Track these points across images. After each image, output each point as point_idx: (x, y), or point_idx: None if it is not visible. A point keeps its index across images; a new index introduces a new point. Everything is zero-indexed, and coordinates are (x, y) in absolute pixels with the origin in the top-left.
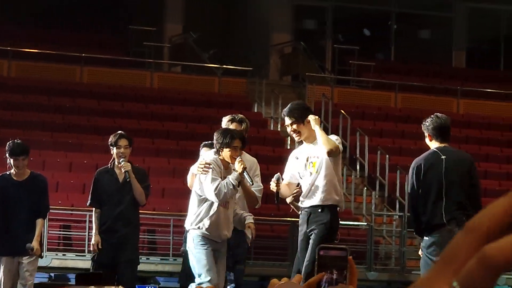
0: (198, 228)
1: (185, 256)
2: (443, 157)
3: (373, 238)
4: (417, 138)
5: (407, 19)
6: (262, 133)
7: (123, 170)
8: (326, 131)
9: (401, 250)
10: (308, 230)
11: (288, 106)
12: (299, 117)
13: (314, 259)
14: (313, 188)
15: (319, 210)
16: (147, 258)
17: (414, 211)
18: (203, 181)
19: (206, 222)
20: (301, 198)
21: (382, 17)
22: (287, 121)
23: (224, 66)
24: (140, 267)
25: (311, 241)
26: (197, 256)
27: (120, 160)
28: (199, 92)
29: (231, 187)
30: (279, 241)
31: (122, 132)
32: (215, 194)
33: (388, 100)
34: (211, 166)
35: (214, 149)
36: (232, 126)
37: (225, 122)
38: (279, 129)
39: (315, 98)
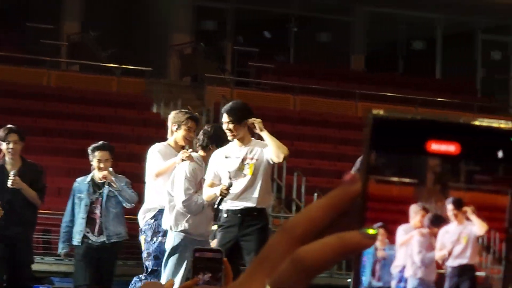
0: (181, 229)
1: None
2: None
3: None
4: (315, 140)
5: (306, 22)
6: (161, 134)
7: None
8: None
9: None
10: (241, 234)
11: (230, 104)
12: (238, 118)
13: None
14: (249, 190)
15: (255, 213)
16: (42, 258)
17: None
18: (177, 186)
19: (189, 221)
20: (229, 200)
21: (282, 19)
22: (225, 118)
23: (123, 65)
24: (35, 267)
25: (253, 249)
26: (176, 262)
27: (9, 157)
28: (97, 91)
29: (201, 207)
30: None
31: (12, 126)
32: (184, 205)
33: (287, 103)
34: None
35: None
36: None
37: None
38: None
39: (214, 99)
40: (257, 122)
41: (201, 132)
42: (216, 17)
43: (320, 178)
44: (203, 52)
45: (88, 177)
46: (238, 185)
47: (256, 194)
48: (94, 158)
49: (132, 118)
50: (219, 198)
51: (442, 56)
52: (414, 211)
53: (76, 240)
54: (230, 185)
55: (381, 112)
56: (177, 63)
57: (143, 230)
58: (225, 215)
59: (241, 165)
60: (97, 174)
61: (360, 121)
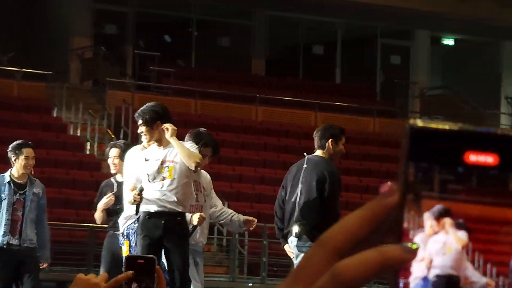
0: None
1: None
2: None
3: None
4: None
5: (207, 26)
6: (62, 138)
7: None
8: (126, 136)
9: None
10: (165, 240)
11: (143, 106)
12: (149, 121)
13: (184, 273)
14: (168, 193)
15: (178, 218)
16: None
17: None
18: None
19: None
20: (148, 203)
21: (183, 23)
22: (138, 121)
23: (24, 69)
24: None
25: (177, 253)
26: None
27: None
28: None
29: None
30: (78, 247)
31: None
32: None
33: (188, 107)
34: None
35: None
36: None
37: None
38: (78, 134)
39: (115, 104)
40: (169, 128)
41: (187, 136)
42: (116, 21)
43: (223, 182)
44: (104, 56)
45: (6, 177)
46: (156, 187)
47: (177, 197)
48: (21, 155)
49: (33, 122)
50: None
51: (342, 60)
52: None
53: (1, 242)
54: (141, 190)
55: (419, 122)
56: (78, 67)
57: (125, 235)
58: (147, 217)
59: (160, 167)
60: (19, 171)
61: (260, 125)
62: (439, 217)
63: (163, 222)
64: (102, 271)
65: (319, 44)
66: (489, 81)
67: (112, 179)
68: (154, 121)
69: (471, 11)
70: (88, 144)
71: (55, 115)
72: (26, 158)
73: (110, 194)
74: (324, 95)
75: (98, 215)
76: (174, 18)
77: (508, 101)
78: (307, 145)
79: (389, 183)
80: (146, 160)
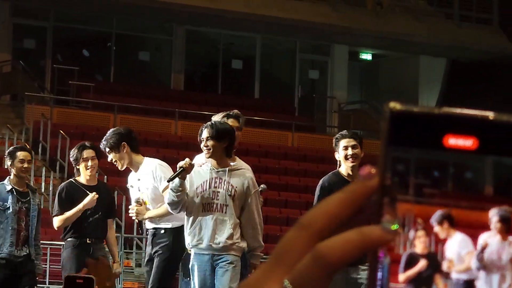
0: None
1: None
2: None
3: None
4: None
5: (127, 41)
6: None
7: None
8: (44, 151)
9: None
10: (152, 252)
11: (106, 135)
12: (113, 145)
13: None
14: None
15: (162, 232)
16: None
17: None
18: None
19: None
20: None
21: (102, 38)
22: (105, 150)
23: None
24: None
25: (155, 264)
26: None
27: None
28: None
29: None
30: None
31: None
32: None
33: (107, 121)
34: None
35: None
36: (229, 122)
37: (219, 117)
38: None
39: (34, 118)
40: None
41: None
42: (35, 35)
43: None
44: (23, 71)
45: (8, 185)
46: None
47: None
48: (15, 159)
49: None
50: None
51: (260, 75)
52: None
53: (5, 253)
54: (138, 201)
55: (398, 106)
56: None
57: None
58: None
59: (139, 195)
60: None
61: (180, 140)
62: (441, 221)
63: (153, 236)
64: None
65: (238, 58)
66: (407, 96)
67: (72, 180)
68: (118, 143)
69: (388, 26)
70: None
71: None
72: (21, 161)
73: (94, 193)
74: (243, 110)
75: (65, 218)
76: (93, 32)
77: None
78: None
79: (368, 166)
80: (131, 186)
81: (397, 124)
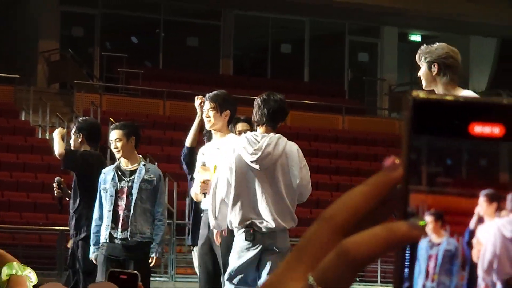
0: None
1: None
2: None
3: None
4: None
5: (175, 27)
6: (30, 141)
7: None
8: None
9: (170, 257)
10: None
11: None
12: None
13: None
14: None
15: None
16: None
17: None
18: None
19: None
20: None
21: (150, 24)
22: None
23: None
24: None
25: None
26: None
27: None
28: None
29: None
30: (48, 251)
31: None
32: None
33: (156, 108)
34: None
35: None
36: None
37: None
38: (47, 137)
39: (84, 106)
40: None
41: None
42: (83, 23)
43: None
44: (71, 59)
45: (114, 164)
46: None
47: None
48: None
49: (0, 126)
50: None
51: (310, 59)
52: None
53: (103, 237)
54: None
55: (421, 93)
56: (45, 70)
57: None
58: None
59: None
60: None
61: None
62: (437, 219)
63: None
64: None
65: (287, 42)
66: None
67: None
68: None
69: (437, 7)
70: None
71: (23, 118)
72: (110, 142)
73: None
74: (293, 94)
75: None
76: (141, 19)
77: (477, 95)
78: None
79: (392, 156)
80: (202, 154)
81: (421, 113)
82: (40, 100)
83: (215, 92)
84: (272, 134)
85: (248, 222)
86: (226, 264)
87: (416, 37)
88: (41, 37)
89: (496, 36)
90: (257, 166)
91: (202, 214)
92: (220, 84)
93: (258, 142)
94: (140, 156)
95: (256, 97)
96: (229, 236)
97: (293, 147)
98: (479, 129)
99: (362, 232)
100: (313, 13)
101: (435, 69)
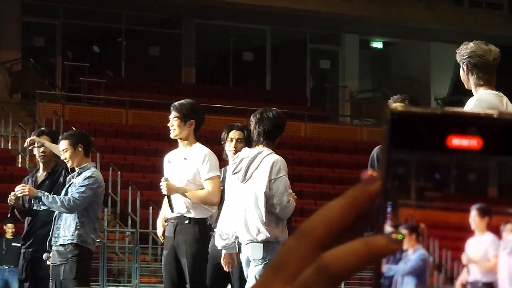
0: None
1: None
2: None
3: (106, 254)
4: (148, 154)
5: (136, 36)
6: None
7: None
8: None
9: (134, 266)
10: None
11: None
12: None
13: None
14: None
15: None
16: None
17: None
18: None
19: None
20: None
21: (112, 34)
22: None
23: None
24: None
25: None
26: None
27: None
28: None
29: None
30: None
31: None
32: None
33: (119, 117)
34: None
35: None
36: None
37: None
38: (9, 147)
39: (46, 116)
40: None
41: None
42: (44, 33)
43: (154, 191)
44: (33, 69)
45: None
46: None
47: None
48: None
49: None
50: None
51: (271, 66)
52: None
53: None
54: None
55: (399, 107)
56: (7, 80)
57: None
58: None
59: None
60: None
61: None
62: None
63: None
64: None
65: (248, 51)
66: (418, 83)
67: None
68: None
69: (398, 14)
70: (20, 157)
71: None
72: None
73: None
74: (255, 102)
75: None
76: (103, 28)
77: (438, 102)
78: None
79: (369, 170)
80: (169, 162)
81: (399, 126)
82: (3, 110)
83: (181, 101)
84: (259, 148)
85: (236, 234)
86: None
87: (377, 44)
88: (3, 47)
89: (457, 43)
90: (236, 179)
91: (167, 223)
92: (183, 92)
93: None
94: (90, 163)
95: (218, 105)
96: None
97: (268, 160)
98: (456, 141)
99: (341, 247)
100: (274, 21)
101: (465, 68)
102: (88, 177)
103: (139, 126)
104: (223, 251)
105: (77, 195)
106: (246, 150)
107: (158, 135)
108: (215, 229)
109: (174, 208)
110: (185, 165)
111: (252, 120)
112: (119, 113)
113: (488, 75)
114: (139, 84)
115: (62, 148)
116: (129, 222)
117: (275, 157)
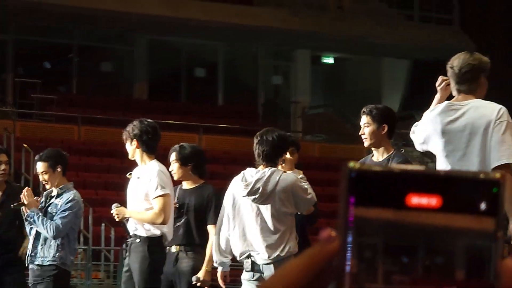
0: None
1: None
2: None
3: None
4: (101, 171)
5: (88, 52)
6: None
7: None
8: (10, 166)
9: (86, 283)
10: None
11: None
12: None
13: None
14: None
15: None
16: None
17: None
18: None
19: None
20: None
21: (63, 50)
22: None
23: None
24: None
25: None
26: None
27: None
28: None
29: None
30: None
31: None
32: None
33: (71, 133)
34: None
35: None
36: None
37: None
38: None
39: None
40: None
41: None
42: None
43: (106, 208)
44: None
45: None
46: None
47: None
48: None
49: None
50: None
51: (223, 82)
52: None
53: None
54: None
55: (357, 165)
56: None
57: None
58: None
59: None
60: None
61: None
62: None
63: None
64: None
65: (200, 66)
66: (370, 98)
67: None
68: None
69: (349, 30)
70: None
71: None
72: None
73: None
74: (207, 118)
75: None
76: (54, 44)
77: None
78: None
79: (328, 229)
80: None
81: (357, 184)
82: None
83: (133, 123)
84: (267, 169)
85: (246, 254)
86: None
87: (328, 60)
88: None
89: (408, 58)
90: (249, 200)
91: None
92: (135, 108)
93: (252, 177)
94: (69, 183)
95: (171, 121)
96: None
97: (288, 179)
98: (416, 200)
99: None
100: (226, 37)
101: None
102: (71, 200)
103: (91, 142)
104: (219, 268)
105: (61, 222)
106: (252, 171)
107: (111, 152)
108: (168, 247)
109: (129, 230)
110: (138, 184)
111: (254, 140)
112: (71, 130)
113: (458, 85)
114: (91, 100)
115: (41, 171)
116: (82, 239)
117: (290, 174)
